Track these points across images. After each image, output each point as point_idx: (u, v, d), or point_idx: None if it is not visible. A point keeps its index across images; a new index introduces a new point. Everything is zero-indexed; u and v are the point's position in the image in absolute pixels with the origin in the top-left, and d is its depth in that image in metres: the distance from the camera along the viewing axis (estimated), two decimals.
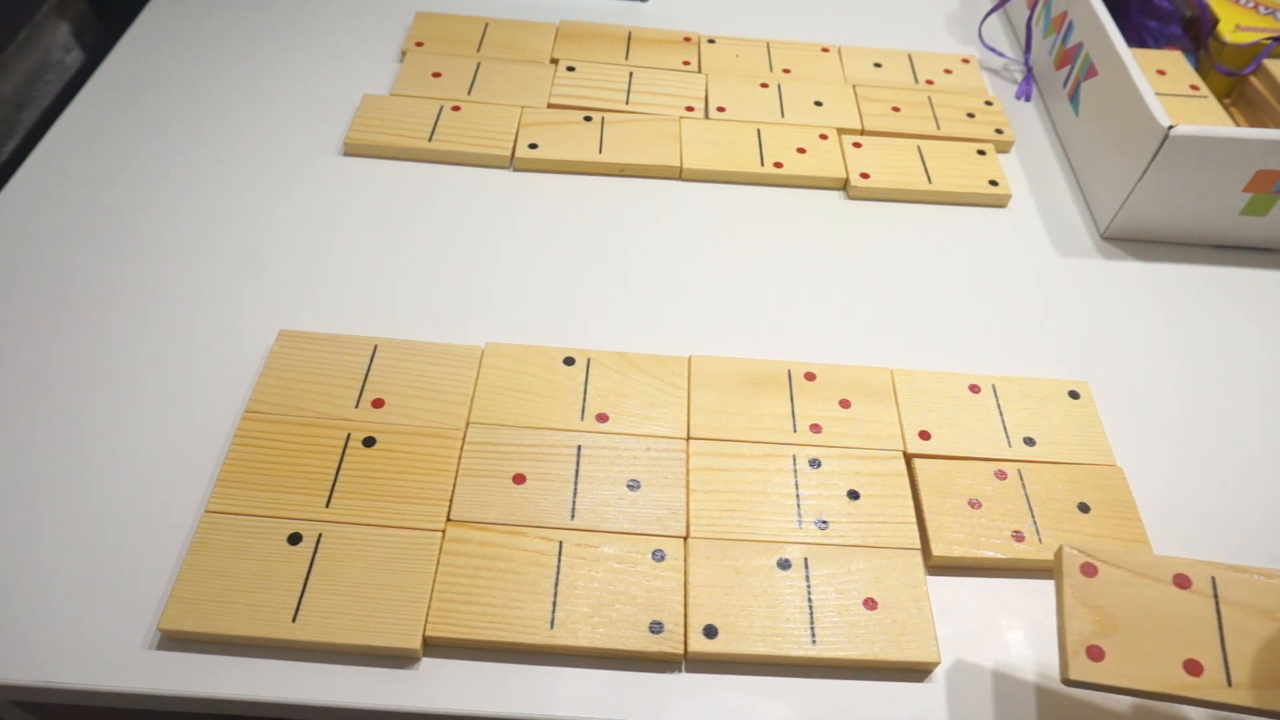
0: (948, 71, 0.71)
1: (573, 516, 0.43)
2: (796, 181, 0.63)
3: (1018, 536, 0.44)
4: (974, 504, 0.45)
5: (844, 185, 0.63)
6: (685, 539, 0.43)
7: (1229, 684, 0.33)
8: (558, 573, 0.41)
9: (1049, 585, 0.44)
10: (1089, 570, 0.35)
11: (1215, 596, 0.34)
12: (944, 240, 0.60)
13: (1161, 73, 0.66)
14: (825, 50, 0.72)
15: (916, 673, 0.40)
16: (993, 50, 0.76)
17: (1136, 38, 0.70)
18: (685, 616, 0.40)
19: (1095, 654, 0.33)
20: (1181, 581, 0.35)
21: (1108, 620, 0.34)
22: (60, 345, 0.49)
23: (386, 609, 0.39)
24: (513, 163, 0.62)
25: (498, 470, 0.44)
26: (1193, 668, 0.33)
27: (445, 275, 0.55)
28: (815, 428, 0.47)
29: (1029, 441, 0.48)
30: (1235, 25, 0.67)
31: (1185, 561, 0.35)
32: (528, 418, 0.47)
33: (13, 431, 0.46)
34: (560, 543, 0.42)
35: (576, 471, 0.45)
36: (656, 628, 0.40)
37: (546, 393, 0.48)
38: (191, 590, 0.39)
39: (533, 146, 0.62)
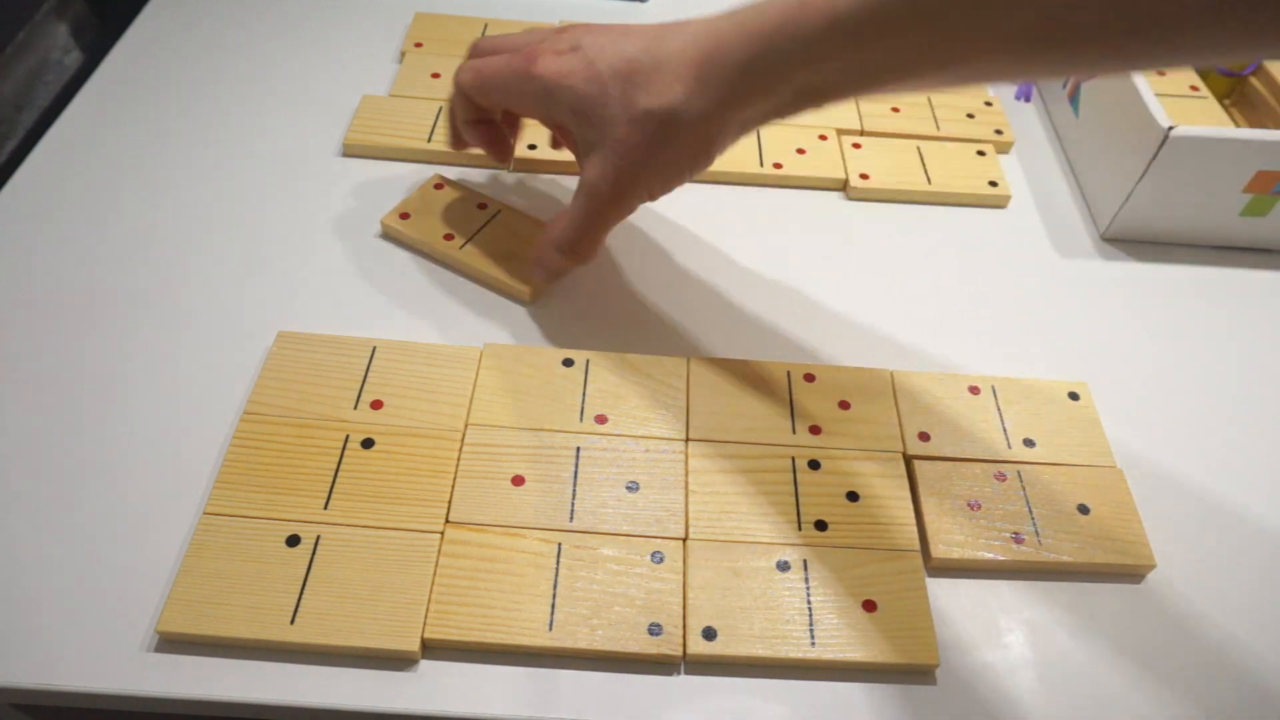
0: None
1: (571, 518, 0.43)
2: (796, 182, 0.62)
3: (1017, 538, 0.44)
4: (974, 506, 0.45)
5: (843, 186, 0.63)
6: (684, 541, 0.43)
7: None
8: (556, 574, 0.41)
9: (1049, 587, 0.44)
10: None
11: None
12: (944, 241, 0.60)
13: (1161, 73, 0.66)
14: None
15: (916, 675, 0.40)
16: None
17: None
18: (684, 618, 0.40)
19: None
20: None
21: None
22: (58, 346, 0.49)
23: (385, 611, 0.39)
24: (511, 163, 0.62)
25: (496, 472, 0.44)
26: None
27: (444, 277, 0.55)
28: (814, 429, 0.47)
29: (1029, 443, 0.48)
30: None
31: None
32: (526, 419, 0.46)
33: (10, 432, 0.46)
34: (559, 544, 0.42)
35: (575, 473, 0.45)
36: (655, 630, 0.40)
37: (545, 394, 0.48)
38: (189, 592, 0.39)
39: (532, 147, 0.62)
